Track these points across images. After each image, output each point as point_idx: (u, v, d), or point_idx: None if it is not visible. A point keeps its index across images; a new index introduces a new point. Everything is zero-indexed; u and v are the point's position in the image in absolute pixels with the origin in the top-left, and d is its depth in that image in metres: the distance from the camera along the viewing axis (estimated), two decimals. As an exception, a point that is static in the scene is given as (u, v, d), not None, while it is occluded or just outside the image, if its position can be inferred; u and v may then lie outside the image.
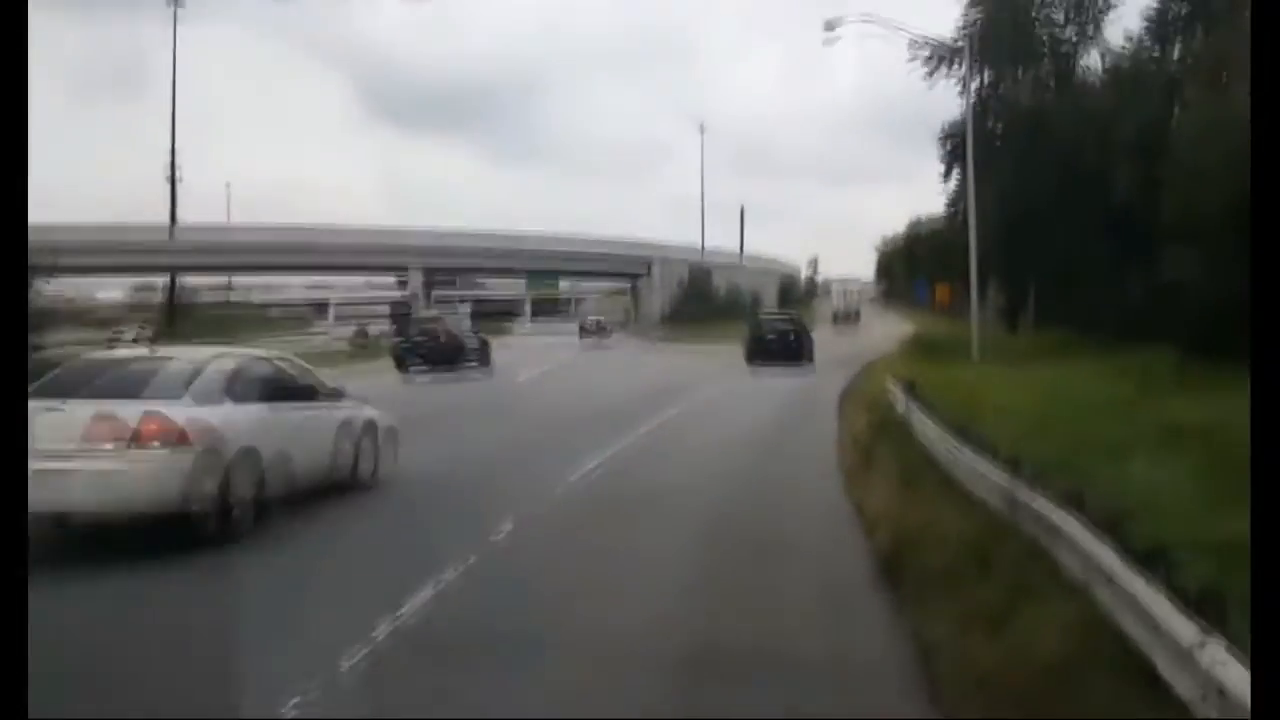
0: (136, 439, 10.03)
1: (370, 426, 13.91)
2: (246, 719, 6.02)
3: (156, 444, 10.10)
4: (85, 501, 9.99)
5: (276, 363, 13.19)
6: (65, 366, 12.26)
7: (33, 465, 7.11)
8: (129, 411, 10.20)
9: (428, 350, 41.13)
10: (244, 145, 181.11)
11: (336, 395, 13.81)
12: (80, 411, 10.18)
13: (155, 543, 9.80)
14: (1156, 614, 5.37)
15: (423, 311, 63.38)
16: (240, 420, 11.14)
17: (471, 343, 44.89)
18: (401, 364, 40.75)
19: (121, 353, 16.14)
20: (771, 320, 49.38)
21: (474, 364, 41.27)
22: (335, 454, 13.03)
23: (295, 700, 6.08)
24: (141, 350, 15.37)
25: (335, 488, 12.78)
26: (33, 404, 9.04)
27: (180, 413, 10.43)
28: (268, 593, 8.76)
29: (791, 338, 44.13)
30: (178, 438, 10.20)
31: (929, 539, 9.07)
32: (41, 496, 8.32)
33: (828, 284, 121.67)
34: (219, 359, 12.11)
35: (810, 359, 42.31)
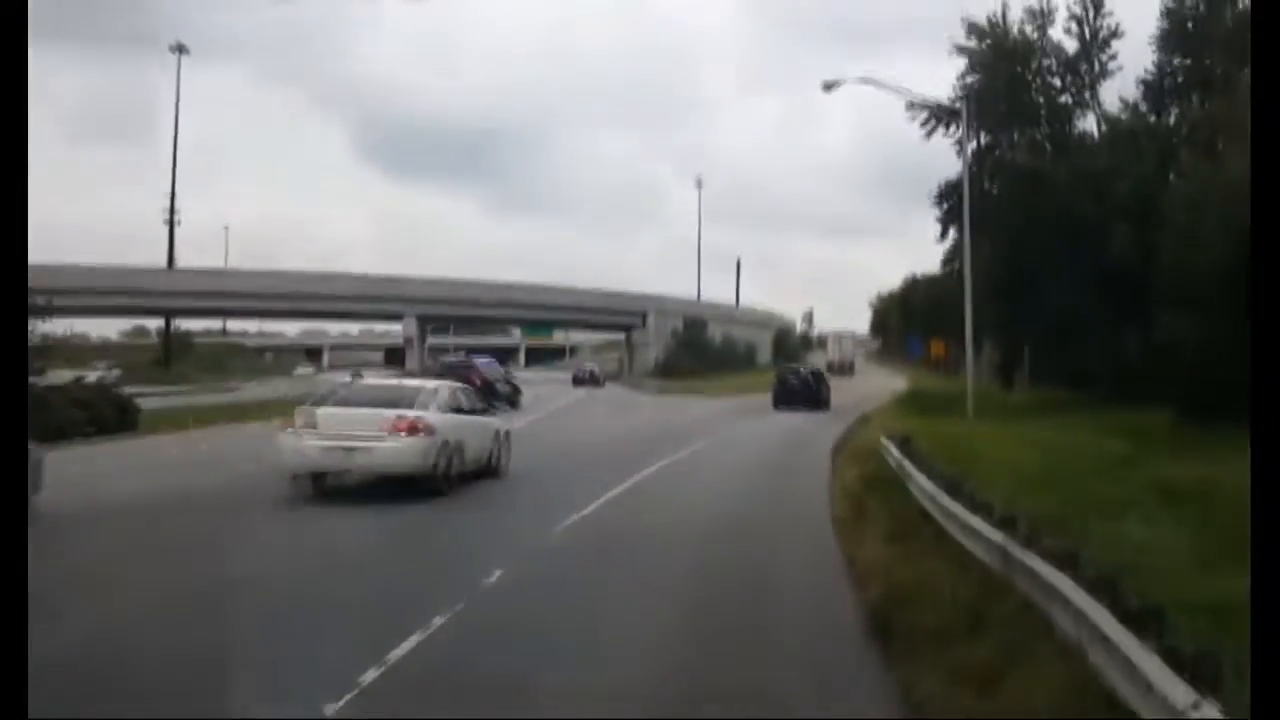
0: (406, 430, 16.98)
1: (506, 433, 21.33)
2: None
3: (416, 433, 17.05)
4: (370, 465, 17.18)
5: (461, 390, 20.58)
6: (348, 386, 23.96)
7: (333, 444, 16.55)
8: (396, 413, 17.26)
9: None
10: (243, 189, 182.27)
11: (489, 411, 22.22)
12: (365, 413, 17.40)
13: (399, 493, 16.58)
14: (1150, 675, 5.33)
15: (448, 358, 64.66)
16: (448, 422, 17.99)
17: (504, 387, 48.15)
18: None
19: (388, 380, 28.40)
20: (796, 369, 56.88)
21: (507, 407, 42.06)
22: (490, 448, 20.05)
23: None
24: (394, 380, 27.04)
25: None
26: (328, 409, 17.83)
27: (424, 415, 17.44)
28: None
29: (813, 384, 50.37)
30: (424, 429, 17.16)
31: (921, 595, 9.02)
32: (338, 462, 16.86)
33: (823, 336, 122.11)
34: (439, 387, 19.77)
35: (828, 404, 47.50)
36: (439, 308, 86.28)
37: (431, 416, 17.46)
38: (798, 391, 48.48)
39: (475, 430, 19.18)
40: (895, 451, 17.87)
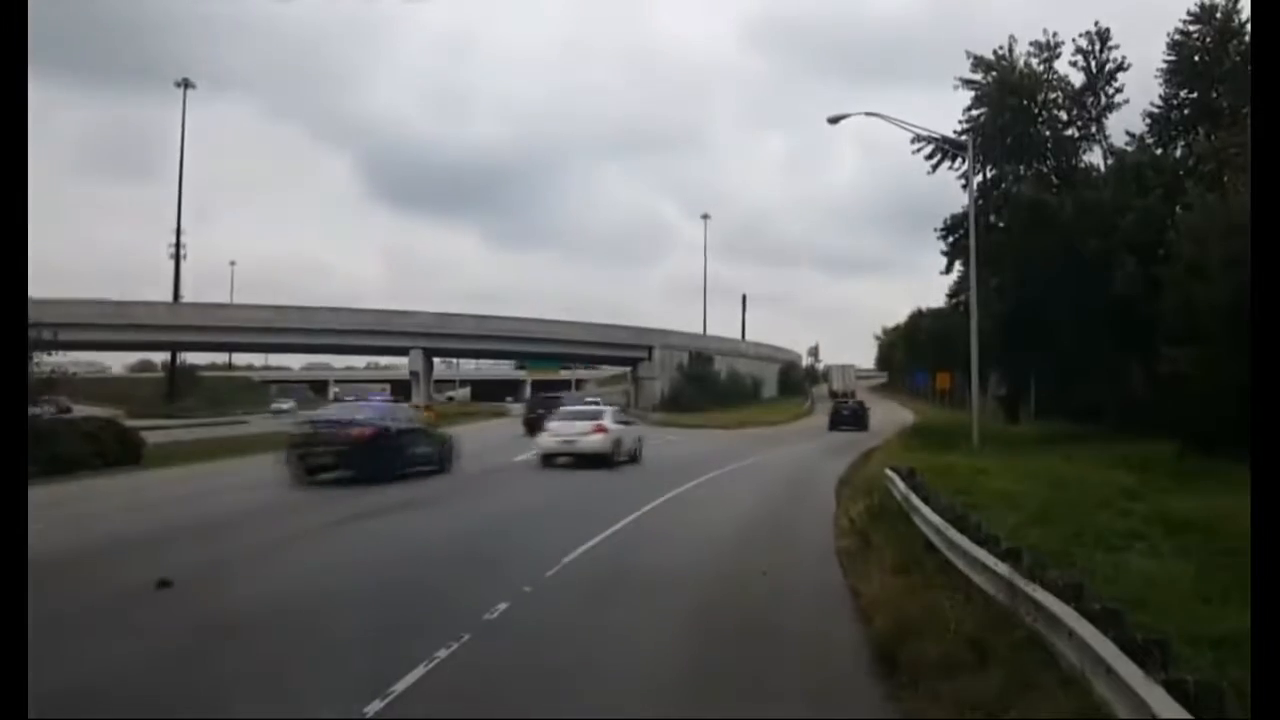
0: (596, 431, 31.36)
1: (641, 437, 35.21)
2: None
3: (601, 433, 31.32)
4: (582, 450, 30.61)
5: (619, 409, 40.37)
6: (564, 405, 40.42)
7: (557, 439, 31.53)
8: (593, 422, 32.17)
9: None
10: (249, 225, 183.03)
11: (632, 424, 36.92)
12: (577, 420, 32.59)
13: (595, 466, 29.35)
14: (1154, 706, 5.34)
15: (544, 395, 69.34)
16: (616, 427, 32.54)
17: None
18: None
19: (584, 404, 44.14)
20: (844, 400, 74.72)
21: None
22: (634, 445, 33.72)
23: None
24: (586, 402, 47.77)
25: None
26: (556, 420, 33.19)
27: (605, 422, 32.26)
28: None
29: (859, 411, 64.88)
30: (605, 431, 31.51)
31: (927, 627, 9.02)
32: (562, 448, 31.04)
33: (827, 369, 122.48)
34: (609, 408, 37.21)
35: (867, 426, 58.92)
36: (445, 342, 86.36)
37: (608, 423, 32.26)
38: (847, 418, 62.31)
39: (627, 434, 33.70)
40: (901, 484, 17.84)
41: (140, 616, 10.38)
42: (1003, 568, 9.28)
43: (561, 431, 31.47)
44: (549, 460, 30.64)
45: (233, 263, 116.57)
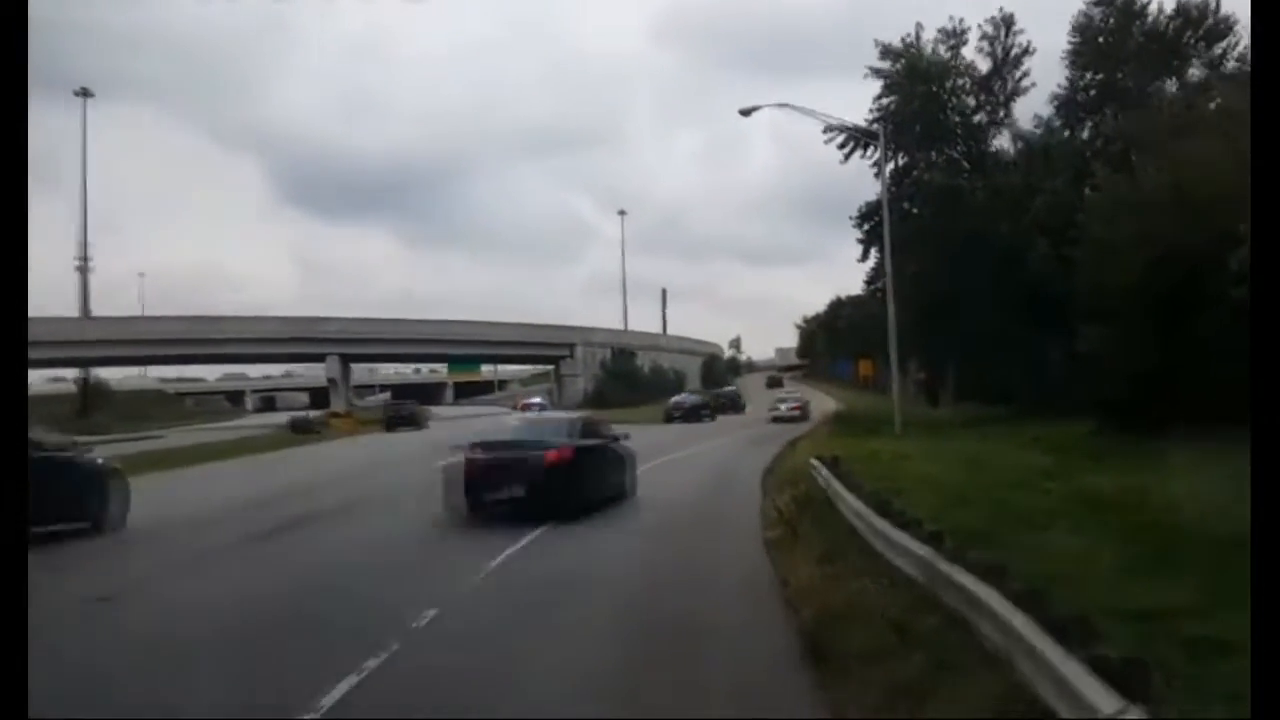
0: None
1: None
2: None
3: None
4: None
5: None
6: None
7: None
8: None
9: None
10: (157, 235, 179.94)
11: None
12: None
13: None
14: (1076, 684, 5.33)
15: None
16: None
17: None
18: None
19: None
20: (783, 398, 69.98)
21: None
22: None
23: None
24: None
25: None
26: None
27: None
28: None
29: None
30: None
31: (853, 614, 9.03)
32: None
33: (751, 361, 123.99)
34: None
35: (808, 418, 57.94)
36: (363, 347, 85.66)
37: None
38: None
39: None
40: (825, 472, 17.96)
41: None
42: (924, 550, 9.30)
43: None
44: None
45: (142, 274, 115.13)
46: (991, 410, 43.45)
